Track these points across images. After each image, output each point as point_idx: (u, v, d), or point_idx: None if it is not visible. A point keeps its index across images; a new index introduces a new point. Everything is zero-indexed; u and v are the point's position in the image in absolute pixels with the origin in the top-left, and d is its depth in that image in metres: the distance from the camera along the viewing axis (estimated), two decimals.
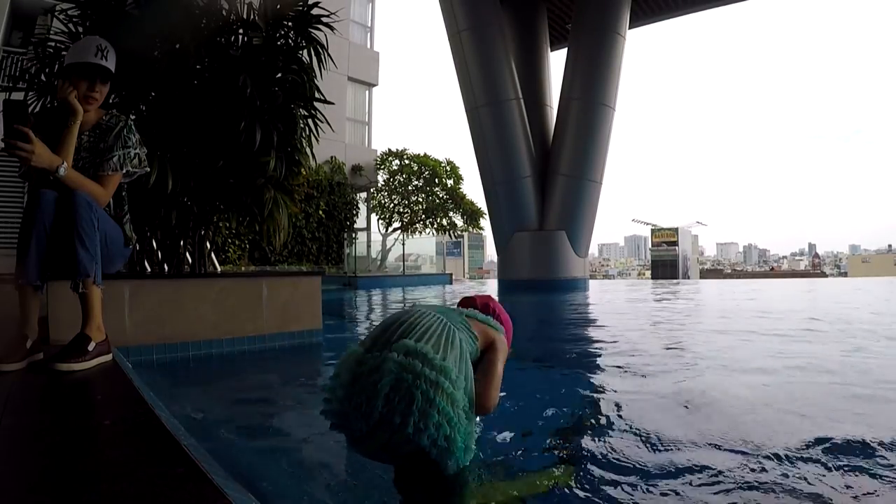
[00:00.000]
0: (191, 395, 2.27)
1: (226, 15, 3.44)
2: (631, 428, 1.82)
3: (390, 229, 17.26)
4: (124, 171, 2.02)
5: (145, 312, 2.86)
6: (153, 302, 2.92)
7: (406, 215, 17.08)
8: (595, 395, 2.37)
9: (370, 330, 1.25)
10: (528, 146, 13.24)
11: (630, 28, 14.36)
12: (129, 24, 2.99)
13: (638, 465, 1.47)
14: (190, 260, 3.84)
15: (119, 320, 2.74)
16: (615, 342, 4.04)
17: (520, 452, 1.59)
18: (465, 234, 19.82)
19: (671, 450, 1.59)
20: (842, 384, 2.48)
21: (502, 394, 2.21)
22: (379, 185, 17.00)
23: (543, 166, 13.51)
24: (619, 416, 1.98)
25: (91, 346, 1.80)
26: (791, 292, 10.22)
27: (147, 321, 2.86)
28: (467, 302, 1.53)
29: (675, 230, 65.73)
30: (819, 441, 1.62)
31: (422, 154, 17.29)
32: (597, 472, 1.44)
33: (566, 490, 1.33)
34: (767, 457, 1.51)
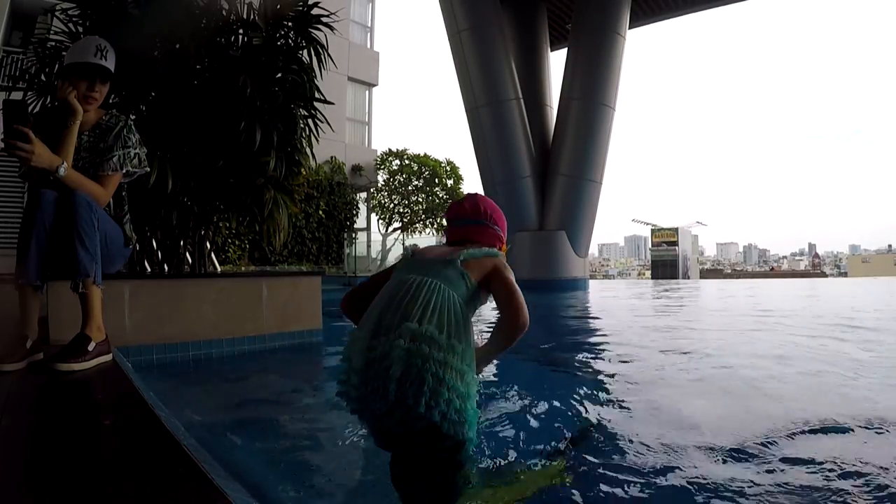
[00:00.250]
0: (191, 395, 2.27)
1: (226, 15, 3.44)
2: (630, 428, 1.82)
3: (390, 229, 17.25)
4: (124, 170, 2.02)
5: (145, 312, 2.86)
6: (153, 302, 2.91)
7: (406, 215, 17.08)
8: (594, 395, 2.37)
9: (370, 308, 1.24)
10: (528, 146, 13.24)
11: (630, 28, 14.36)
12: (129, 24, 2.99)
13: (637, 466, 1.47)
14: (190, 260, 3.84)
15: (119, 320, 2.74)
16: (615, 342, 4.04)
17: (518, 452, 1.59)
18: None
19: (670, 449, 1.59)
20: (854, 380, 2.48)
21: (502, 391, 2.21)
22: (379, 185, 17.00)
23: (543, 166, 13.51)
24: (619, 417, 1.98)
25: (91, 347, 1.80)
26: (796, 294, 10.22)
27: (147, 321, 2.86)
28: (459, 210, 1.43)
29: (675, 230, 65.73)
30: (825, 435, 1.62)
31: (422, 154, 17.29)
32: (596, 472, 1.44)
33: (563, 490, 1.34)
34: (767, 456, 1.51)
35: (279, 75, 3.48)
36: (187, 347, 2.98)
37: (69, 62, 1.95)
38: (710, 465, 1.46)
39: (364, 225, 17.00)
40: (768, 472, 1.41)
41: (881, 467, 1.41)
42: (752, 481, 1.35)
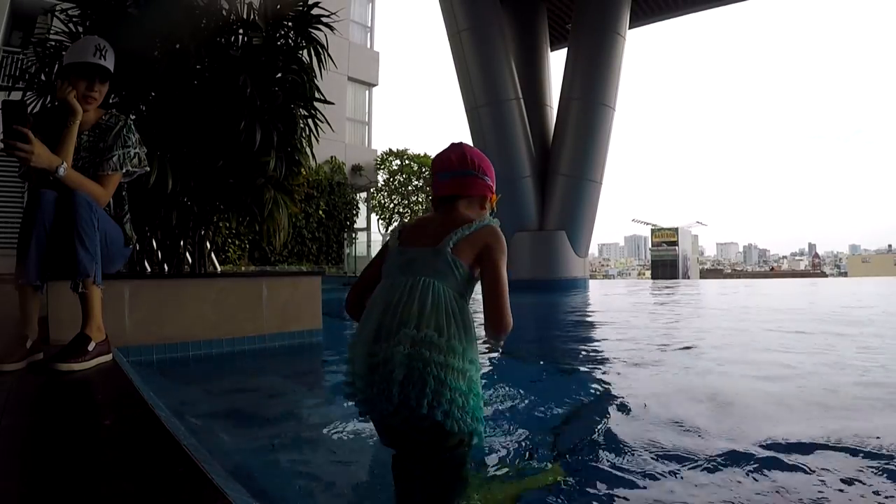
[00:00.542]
0: (191, 395, 2.27)
1: (226, 15, 3.44)
2: (630, 428, 1.82)
3: (390, 229, 17.26)
4: (124, 170, 2.02)
5: (145, 312, 2.86)
6: (153, 302, 2.91)
7: (406, 215, 17.08)
8: (594, 394, 2.37)
9: (366, 312, 1.23)
10: (528, 146, 13.24)
11: (630, 28, 14.36)
12: (129, 24, 2.99)
13: (636, 465, 1.47)
14: (190, 260, 3.84)
15: (119, 320, 2.74)
16: (615, 341, 4.04)
17: (517, 451, 1.59)
18: None
19: (670, 449, 1.59)
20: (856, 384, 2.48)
21: (500, 387, 2.21)
22: (379, 185, 17.00)
23: (543, 166, 13.51)
24: (619, 416, 1.98)
25: (91, 346, 1.80)
26: (796, 293, 10.22)
27: (147, 321, 2.86)
28: (446, 162, 1.35)
29: (675, 230, 65.71)
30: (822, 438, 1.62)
31: (422, 154, 17.29)
32: (595, 471, 1.44)
33: (562, 489, 1.34)
34: (767, 456, 1.51)
35: (279, 75, 3.48)
36: (187, 347, 2.98)
37: (68, 62, 1.95)
38: (711, 465, 1.46)
39: (364, 225, 17.01)
40: (768, 472, 1.41)
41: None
42: (752, 481, 1.35)
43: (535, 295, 10.59)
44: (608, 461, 1.51)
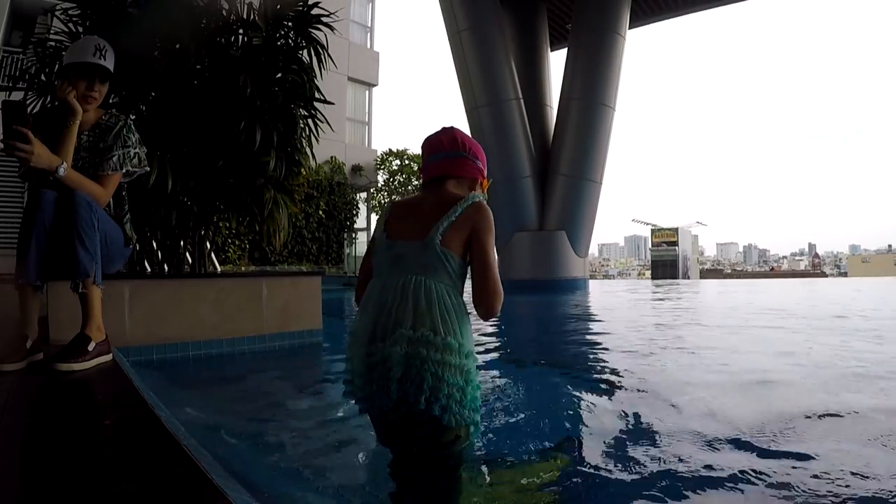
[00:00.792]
0: (190, 395, 2.27)
1: (226, 15, 3.44)
2: (630, 426, 1.82)
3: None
4: (124, 170, 2.02)
5: (145, 312, 2.86)
6: (153, 302, 2.91)
7: None
8: (594, 393, 2.37)
9: (361, 312, 1.23)
10: (528, 146, 13.23)
11: (630, 28, 14.35)
12: (129, 24, 2.99)
13: (635, 464, 1.47)
14: (190, 260, 3.84)
15: (119, 320, 2.74)
16: (614, 341, 4.04)
17: (516, 450, 1.59)
18: None
19: (669, 447, 1.59)
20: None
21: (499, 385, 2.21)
22: (379, 185, 17.00)
23: (543, 166, 13.50)
24: (618, 416, 1.98)
25: (91, 347, 1.80)
26: (796, 292, 10.21)
27: (147, 321, 2.86)
28: (436, 144, 1.33)
29: (675, 230, 65.73)
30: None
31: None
32: (593, 470, 1.44)
33: (560, 487, 1.34)
34: (767, 455, 1.51)
35: (279, 75, 3.48)
36: (187, 347, 2.98)
37: (68, 62, 1.95)
38: (710, 462, 1.46)
39: (364, 225, 17.00)
40: (768, 471, 1.41)
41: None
42: (752, 479, 1.35)
43: (535, 295, 10.59)
44: (607, 460, 1.51)
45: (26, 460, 0.95)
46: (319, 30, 3.62)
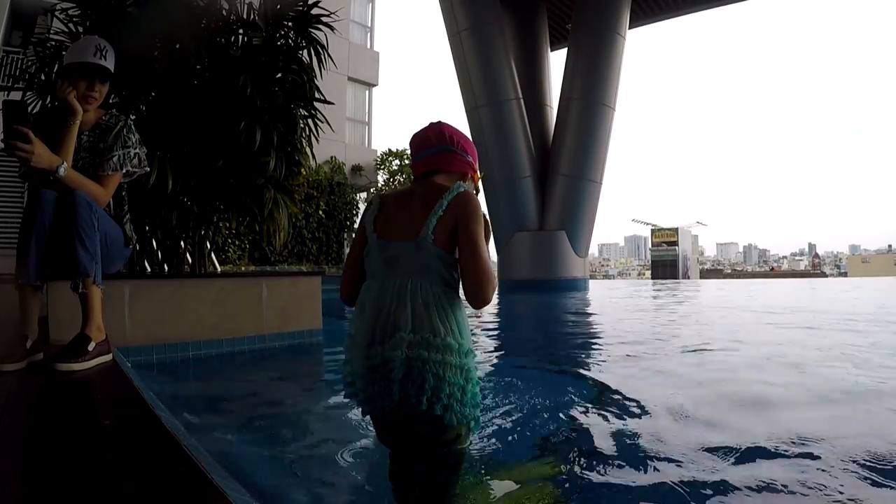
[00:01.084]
0: (190, 396, 2.27)
1: (226, 15, 3.44)
2: (628, 426, 1.82)
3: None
4: (124, 170, 2.02)
5: (145, 312, 2.86)
6: (153, 302, 2.91)
7: None
8: (593, 393, 2.37)
9: (358, 314, 1.23)
10: (528, 146, 13.24)
11: (630, 28, 14.37)
12: (129, 24, 2.99)
13: (634, 464, 1.47)
14: (190, 260, 3.84)
15: (119, 320, 2.74)
16: (614, 341, 4.04)
17: (515, 450, 1.59)
18: None
19: (668, 447, 1.59)
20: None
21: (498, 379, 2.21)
22: (379, 185, 17.01)
23: (543, 166, 13.51)
24: (617, 415, 1.98)
25: (91, 347, 1.80)
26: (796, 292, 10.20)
27: (147, 321, 2.86)
28: (424, 140, 1.32)
29: (675, 230, 65.76)
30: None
31: None
32: (592, 470, 1.44)
33: (558, 486, 1.34)
34: (766, 456, 1.51)
35: (279, 75, 3.48)
36: (187, 347, 2.98)
37: (68, 62, 1.95)
38: (709, 463, 1.46)
39: None
40: (768, 472, 1.41)
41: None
42: (752, 480, 1.35)
43: (535, 295, 10.59)
44: (606, 460, 1.51)
45: (26, 460, 0.95)
46: (319, 30, 3.62)
